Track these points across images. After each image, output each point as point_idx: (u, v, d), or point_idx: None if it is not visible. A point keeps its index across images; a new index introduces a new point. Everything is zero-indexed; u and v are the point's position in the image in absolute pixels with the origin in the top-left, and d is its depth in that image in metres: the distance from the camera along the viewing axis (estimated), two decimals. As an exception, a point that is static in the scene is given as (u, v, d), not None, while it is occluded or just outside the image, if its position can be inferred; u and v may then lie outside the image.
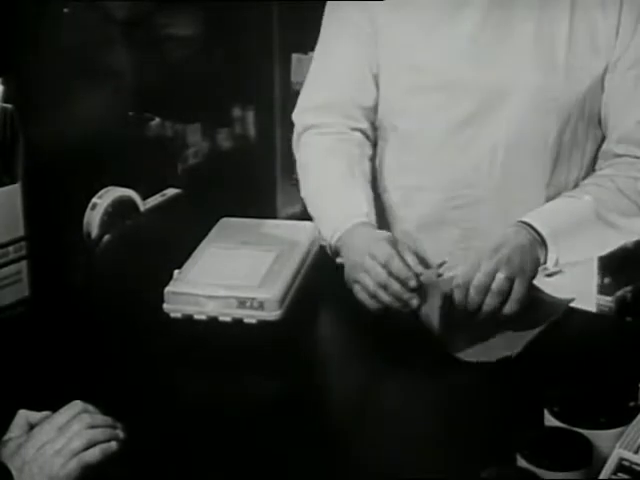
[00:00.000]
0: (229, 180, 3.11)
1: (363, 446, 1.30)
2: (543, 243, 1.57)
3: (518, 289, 1.50)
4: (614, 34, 1.62)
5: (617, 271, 2.84)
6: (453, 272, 1.55)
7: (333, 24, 1.77)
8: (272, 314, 1.51)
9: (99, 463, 1.14)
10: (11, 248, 1.64)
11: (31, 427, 1.17)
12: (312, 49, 1.83)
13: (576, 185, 1.71)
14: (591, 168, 1.73)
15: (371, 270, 1.52)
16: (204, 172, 3.24)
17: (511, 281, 1.49)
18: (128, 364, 1.45)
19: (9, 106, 1.65)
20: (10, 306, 1.63)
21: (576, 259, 1.65)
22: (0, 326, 1.56)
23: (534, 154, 1.68)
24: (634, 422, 1.13)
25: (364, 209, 1.67)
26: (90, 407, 1.18)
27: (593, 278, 1.87)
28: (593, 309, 1.85)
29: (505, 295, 1.49)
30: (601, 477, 1.08)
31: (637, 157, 1.67)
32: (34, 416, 1.18)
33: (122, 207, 2.37)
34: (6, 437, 1.16)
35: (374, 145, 1.80)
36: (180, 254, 1.64)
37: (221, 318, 1.51)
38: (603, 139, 1.71)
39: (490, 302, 1.49)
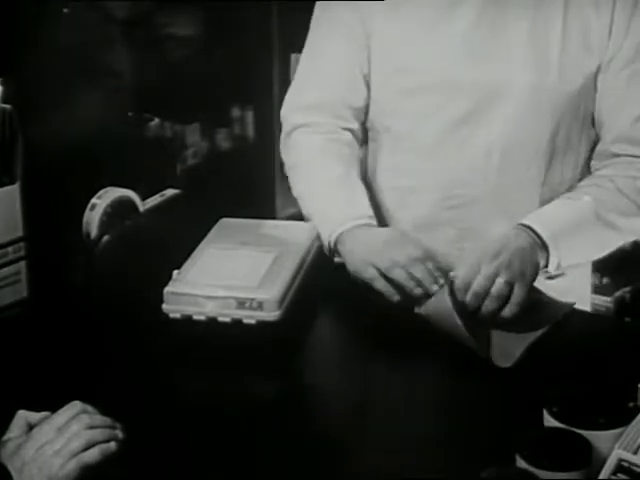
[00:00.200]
0: (228, 180, 3.11)
1: (363, 446, 1.30)
2: (544, 246, 1.57)
3: (518, 293, 1.50)
4: (607, 34, 1.62)
5: (616, 272, 2.84)
6: (452, 273, 1.55)
7: (323, 24, 1.77)
8: (271, 314, 1.51)
9: (98, 463, 1.14)
10: (10, 248, 1.64)
11: (30, 428, 1.17)
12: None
13: (571, 185, 1.71)
14: (585, 168, 1.73)
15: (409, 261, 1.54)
16: (203, 172, 3.23)
17: (511, 285, 1.49)
18: (127, 365, 1.45)
19: (8, 106, 1.65)
20: (9, 306, 1.63)
21: (577, 261, 1.65)
22: (-1, 326, 1.56)
23: (529, 153, 1.68)
24: (633, 423, 1.13)
25: (368, 210, 1.67)
26: (89, 407, 1.18)
27: (588, 278, 1.86)
28: (588, 308, 1.85)
29: (505, 299, 1.49)
30: (600, 478, 1.08)
31: (634, 156, 1.67)
32: (33, 417, 1.18)
33: (121, 207, 2.38)
34: (5, 438, 1.16)
35: (362, 146, 1.81)
36: (179, 254, 1.64)
37: (220, 318, 1.51)
38: (597, 139, 1.71)
39: (489, 306, 1.49)
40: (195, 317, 1.52)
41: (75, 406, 1.17)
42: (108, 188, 2.40)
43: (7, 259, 1.63)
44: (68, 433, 1.14)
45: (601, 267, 2.78)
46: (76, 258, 1.96)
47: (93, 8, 2.74)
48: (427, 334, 1.49)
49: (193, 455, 1.25)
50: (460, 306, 1.49)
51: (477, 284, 1.49)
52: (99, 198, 2.36)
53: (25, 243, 1.66)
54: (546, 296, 1.57)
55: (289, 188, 1.82)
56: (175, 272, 1.58)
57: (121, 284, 1.68)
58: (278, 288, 1.53)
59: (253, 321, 1.51)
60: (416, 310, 1.53)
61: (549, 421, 1.17)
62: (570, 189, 1.70)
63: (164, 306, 1.53)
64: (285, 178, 1.86)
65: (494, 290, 1.49)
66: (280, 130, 1.86)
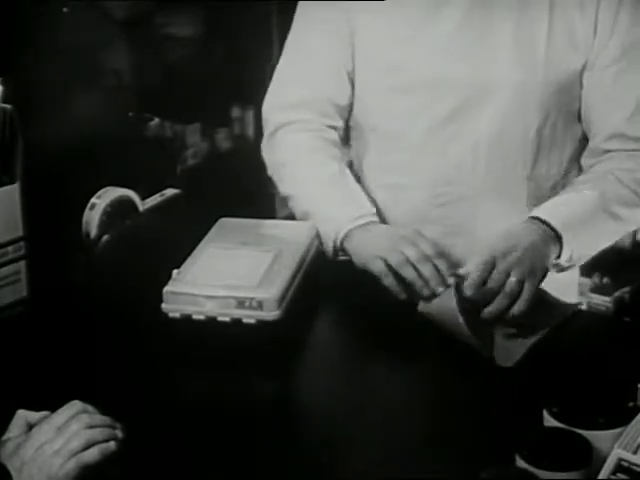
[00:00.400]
0: (228, 180, 3.11)
1: (363, 446, 1.30)
2: (557, 237, 1.56)
3: (528, 289, 1.49)
4: (592, 33, 1.64)
5: (616, 272, 2.85)
6: (462, 270, 1.54)
7: (308, 22, 1.76)
8: (271, 314, 1.51)
9: (98, 463, 1.14)
10: (10, 248, 1.64)
11: (30, 427, 1.17)
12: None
13: (556, 181, 1.72)
14: (570, 164, 1.74)
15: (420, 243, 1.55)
16: (203, 172, 3.24)
17: (522, 283, 1.49)
18: (127, 364, 1.45)
19: (8, 106, 1.65)
20: (8, 306, 1.63)
21: (588, 252, 1.65)
22: (-1, 326, 1.56)
23: (515, 149, 1.69)
24: (633, 422, 1.13)
25: (372, 208, 1.68)
26: (89, 407, 1.18)
27: (575, 271, 1.84)
28: (575, 300, 1.83)
29: (515, 297, 1.49)
30: (600, 477, 1.08)
31: (629, 150, 1.67)
32: (33, 416, 1.18)
33: (121, 207, 2.37)
34: (5, 437, 1.16)
35: (345, 144, 1.81)
36: (179, 254, 1.64)
37: (220, 318, 1.51)
38: (582, 136, 1.72)
39: (500, 302, 1.49)
40: (195, 316, 1.52)
41: (75, 405, 1.17)
42: (108, 188, 2.39)
43: (7, 258, 1.63)
44: (68, 433, 1.14)
45: (601, 267, 2.78)
46: (76, 258, 1.96)
47: (93, 8, 2.74)
48: (427, 334, 1.49)
49: (193, 455, 1.24)
50: (464, 304, 1.48)
51: (493, 280, 1.49)
52: (99, 198, 2.36)
53: (25, 243, 1.65)
54: (550, 296, 1.57)
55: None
56: (175, 272, 1.58)
57: (121, 284, 1.68)
58: (278, 287, 1.53)
59: (253, 320, 1.50)
60: (419, 308, 1.52)
61: (549, 421, 1.17)
62: (557, 185, 1.71)
63: (164, 305, 1.53)
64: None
65: (507, 287, 1.49)
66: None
